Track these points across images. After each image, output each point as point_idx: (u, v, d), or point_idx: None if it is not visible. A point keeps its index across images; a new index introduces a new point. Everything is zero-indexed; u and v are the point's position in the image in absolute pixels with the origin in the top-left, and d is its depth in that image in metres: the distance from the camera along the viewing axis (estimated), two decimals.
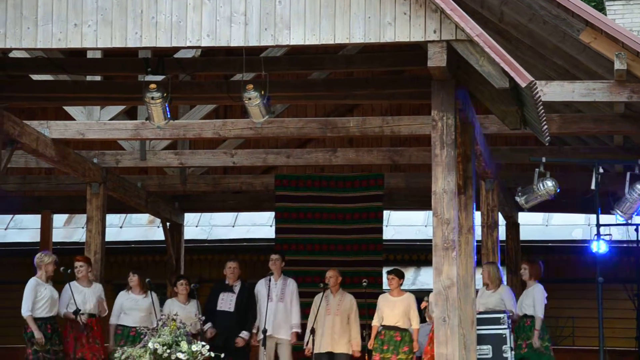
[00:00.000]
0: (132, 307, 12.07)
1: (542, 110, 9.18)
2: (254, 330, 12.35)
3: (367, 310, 12.30)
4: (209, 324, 12.34)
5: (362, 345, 12.28)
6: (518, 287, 13.24)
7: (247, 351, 12.45)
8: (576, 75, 10.85)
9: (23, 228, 18.00)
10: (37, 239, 16.34)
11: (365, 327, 12.26)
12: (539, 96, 8.90)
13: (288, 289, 12.52)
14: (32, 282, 11.36)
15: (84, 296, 11.64)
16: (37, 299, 11.26)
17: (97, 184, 12.88)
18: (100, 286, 11.99)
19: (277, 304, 12.42)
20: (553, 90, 10.06)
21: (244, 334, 12.33)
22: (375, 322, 12.00)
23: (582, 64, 10.54)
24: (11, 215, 17.88)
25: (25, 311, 11.19)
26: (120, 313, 12.12)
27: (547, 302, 11.97)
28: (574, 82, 10.17)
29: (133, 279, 12.17)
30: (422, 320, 12.15)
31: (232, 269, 12.59)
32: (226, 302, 12.48)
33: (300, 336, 12.50)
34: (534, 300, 11.82)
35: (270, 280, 12.52)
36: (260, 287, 12.56)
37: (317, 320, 12.23)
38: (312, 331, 12.22)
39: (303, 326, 12.51)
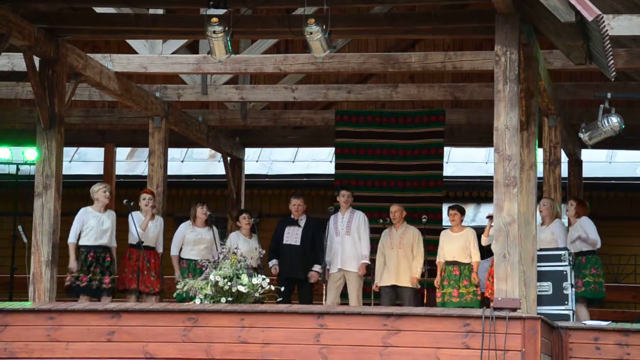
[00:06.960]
0: (197, 240, 12.14)
1: (609, 45, 9.01)
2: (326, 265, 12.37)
3: (426, 246, 12.33)
4: (274, 261, 12.42)
5: (421, 282, 12.29)
6: None
7: (312, 283, 12.50)
8: None
9: (87, 161, 18.24)
10: (100, 171, 16.56)
11: (425, 263, 12.28)
12: (606, 30, 8.73)
13: (354, 222, 12.51)
14: (80, 211, 11.54)
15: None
16: (84, 227, 11.41)
17: (159, 118, 12.97)
18: (161, 219, 12.07)
19: (343, 237, 12.43)
20: (621, 24, 9.84)
21: (317, 267, 12.38)
22: (439, 259, 12.00)
23: None
24: (75, 148, 18.12)
25: (69, 238, 11.38)
26: (182, 245, 12.19)
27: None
28: None
29: (207, 212, 12.11)
30: (482, 256, 12.14)
31: (296, 206, 12.61)
32: (292, 235, 12.54)
33: (369, 268, 12.49)
34: (585, 230, 11.65)
35: (337, 215, 12.55)
36: (330, 222, 12.56)
37: (383, 255, 12.28)
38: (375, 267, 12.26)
39: (372, 261, 12.52)
